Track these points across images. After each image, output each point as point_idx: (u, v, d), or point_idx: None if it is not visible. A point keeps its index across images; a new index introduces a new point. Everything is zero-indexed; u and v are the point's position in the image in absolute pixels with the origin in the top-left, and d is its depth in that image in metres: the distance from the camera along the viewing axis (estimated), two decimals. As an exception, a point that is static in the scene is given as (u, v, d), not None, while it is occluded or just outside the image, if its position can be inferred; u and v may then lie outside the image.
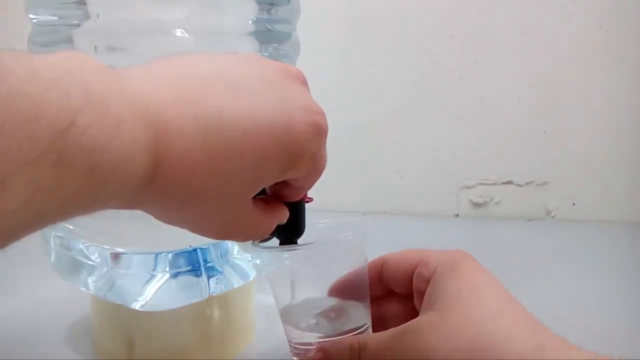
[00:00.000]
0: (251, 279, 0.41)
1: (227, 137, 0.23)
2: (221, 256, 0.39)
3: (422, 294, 0.33)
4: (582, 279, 0.59)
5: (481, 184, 0.83)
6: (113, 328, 0.42)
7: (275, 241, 0.34)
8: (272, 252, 0.34)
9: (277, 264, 0.35)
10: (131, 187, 0.21)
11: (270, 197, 0.31)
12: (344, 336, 0.34)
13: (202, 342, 0.41)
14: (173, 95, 0.23)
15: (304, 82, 0.29)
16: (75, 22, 0.36)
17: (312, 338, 0.35)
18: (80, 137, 0.18)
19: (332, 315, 0.35)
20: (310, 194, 0.33)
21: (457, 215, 0.84)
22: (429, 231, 0.76)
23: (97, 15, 0.36)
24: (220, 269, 0.39)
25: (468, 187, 0.83)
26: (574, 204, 0.81)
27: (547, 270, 0.62)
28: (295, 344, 0.36)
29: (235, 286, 0.39)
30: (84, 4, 0.36)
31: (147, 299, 0.37)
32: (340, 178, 0.81)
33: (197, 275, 0.38)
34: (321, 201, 0.41)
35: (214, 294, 0.38)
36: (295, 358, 0.36)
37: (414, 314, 0.33)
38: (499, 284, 0.32)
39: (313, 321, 0.35)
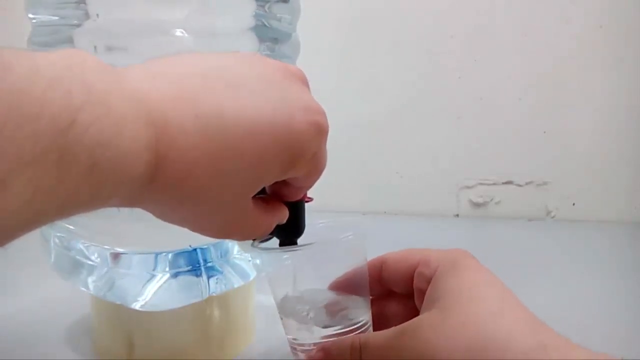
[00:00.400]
0: (251, 279, 0.41)
1: (228, 136, 0.23)
2: (221, 256, 0.39)
3: (423, 293, 0.33)
4: (582, 279, 0.59)
5: (481, 184, 0.83)
6: (113, 328, 0.42)
7: (275, 241, 0.33)
8: (272, 252, 0.34)
9: (277, 265, 0.35)
10: (131, 186, 0.21)
11: (270, 196, 0.31)
12: (344, 336, 0.34)
13: (202, 342, 0.41)
14: (173, 94, 0.23)
15: (304, 82, 0.29)
16: (75, 22, 0.36)
17: (312, 338, 0.35)
18: (81, 136, 0.18)
19: (332, 309, 0.35)
20: (310, 194, 0.33)
21: (457, 215, 0.84)
22: (429, 231, 0.76)
23: (97, 15, 0.36)
24: (220, 269, 0.39)
25: (468, 187, 0.83)
26: (574, 204, 0.81)
27: (547, 270, 0.62)
28: (296, 344, 0.35)
29: (235, 286, 0.39)
30: (84, 4, 0.36)
31: (147, 299, 0.37)
32: (340, 178, 0.81)
33: (197, 275, 0.38)
34: (321, 201, 0.41)
35: (214, 294, 0.38)
36: (295, 358, 0.36)
37: (415, 313, 0.33)
38: (500, 283, 0.32)
39: (312, 314, 0.35)
